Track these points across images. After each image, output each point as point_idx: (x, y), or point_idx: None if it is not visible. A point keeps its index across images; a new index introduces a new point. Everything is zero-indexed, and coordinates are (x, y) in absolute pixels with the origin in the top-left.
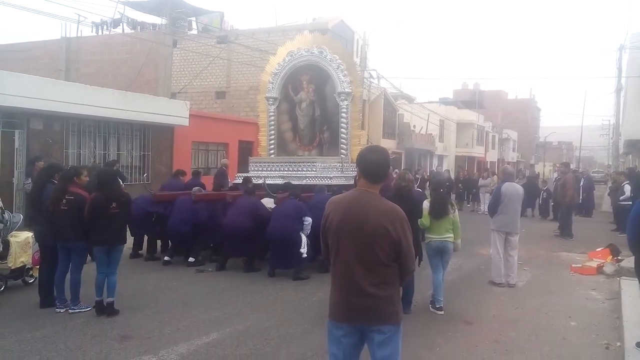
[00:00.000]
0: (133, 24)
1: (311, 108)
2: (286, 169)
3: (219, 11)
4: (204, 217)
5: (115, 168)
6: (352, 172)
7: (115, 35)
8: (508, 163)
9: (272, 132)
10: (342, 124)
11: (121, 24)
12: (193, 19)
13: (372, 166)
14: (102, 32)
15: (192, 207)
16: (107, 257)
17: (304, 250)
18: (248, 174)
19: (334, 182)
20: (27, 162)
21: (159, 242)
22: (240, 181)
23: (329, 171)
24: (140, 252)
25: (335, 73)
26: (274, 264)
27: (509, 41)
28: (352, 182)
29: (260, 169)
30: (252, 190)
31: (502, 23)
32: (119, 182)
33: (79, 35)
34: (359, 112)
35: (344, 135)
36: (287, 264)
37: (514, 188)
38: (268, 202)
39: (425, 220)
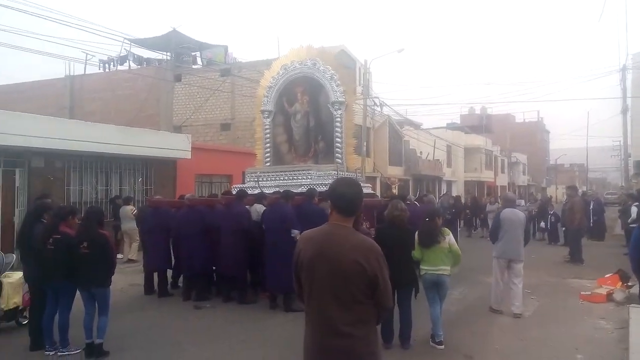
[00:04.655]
0: (139, 60)
1: (305, 119)
2: (282, 178)
3: (223, 45)
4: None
5: (118, 202)
6: None
7: (118, 72)
8: (519, 187)
9: (268, 144)
10: (337, 133)
11: (127, 61)
12: (198, 53)
13: (343, 200)
14: (109, 69)
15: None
16: (92, 298)
17: None
18: (244, 185)
19: None
20: (30, 201)
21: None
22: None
23: (325, 179)
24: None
25: (328, 83)
26: (271, 286)
27: (514, 65)
28: None
29: (257, 179)
30: (242, 194)
31: (507, 47)
32: (100, 222)
33: (86, 72)
34: (353, 120)
35: (338, 144)
36: (283, 284)
37: (515, 214)
38: (259, 208)
39: (416, 252)
